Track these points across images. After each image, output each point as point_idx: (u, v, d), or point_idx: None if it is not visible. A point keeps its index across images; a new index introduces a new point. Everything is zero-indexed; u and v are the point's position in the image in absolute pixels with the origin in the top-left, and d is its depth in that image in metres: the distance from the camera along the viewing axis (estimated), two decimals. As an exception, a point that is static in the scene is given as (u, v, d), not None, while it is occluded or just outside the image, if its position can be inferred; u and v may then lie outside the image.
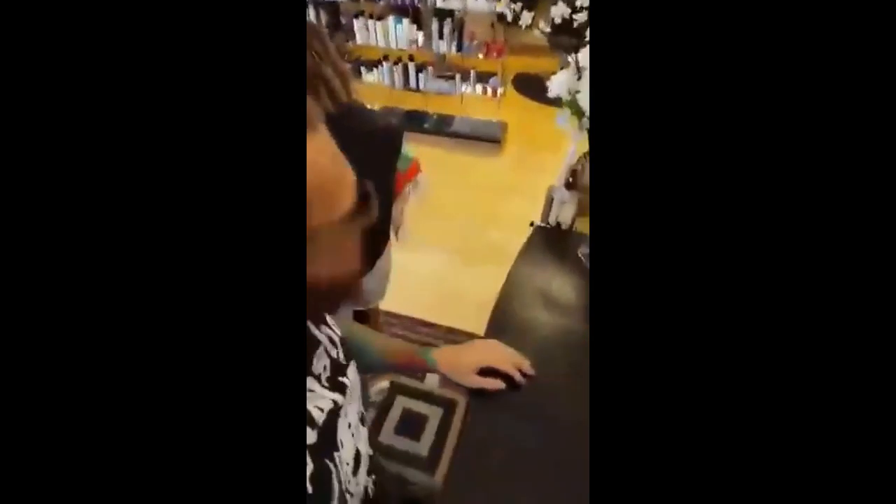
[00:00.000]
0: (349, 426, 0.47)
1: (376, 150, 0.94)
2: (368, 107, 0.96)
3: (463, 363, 0.72)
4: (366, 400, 0.90)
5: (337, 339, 0.52)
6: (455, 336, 2.00)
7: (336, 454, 0.43)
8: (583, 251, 1.14)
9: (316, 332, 0.49)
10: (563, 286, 1.07)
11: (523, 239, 1.22)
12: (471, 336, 1.86)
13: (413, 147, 1.25)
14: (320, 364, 0.47)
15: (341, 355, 0.51)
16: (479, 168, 3.11)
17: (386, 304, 1.60)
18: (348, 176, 0.35)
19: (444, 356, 0.71)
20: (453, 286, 2.30)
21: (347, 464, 0.45)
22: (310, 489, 0.37)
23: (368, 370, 0.66)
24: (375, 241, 1.18)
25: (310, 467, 0.38)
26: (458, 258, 2.40)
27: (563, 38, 2.55)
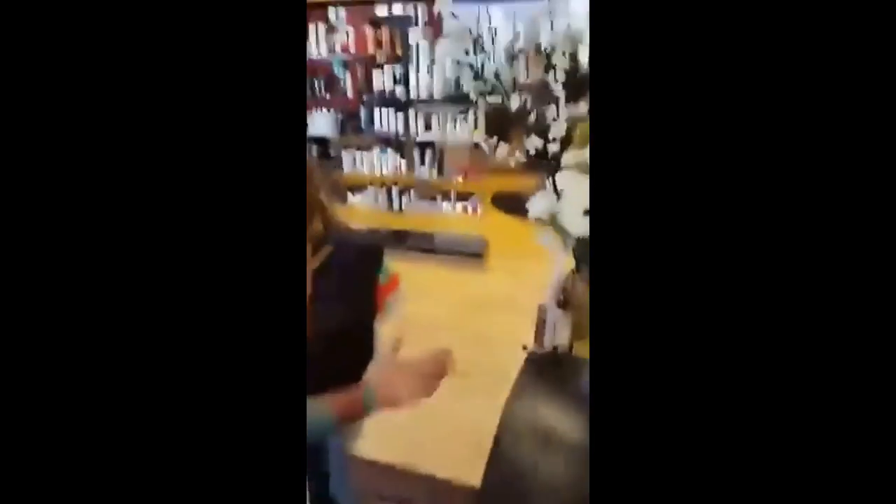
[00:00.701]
0: None
1: (358, 265, 0.99)
2: (353, 227, 1.04)
3: (397, 396, 0.71)
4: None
5: None
6: (444, 487, 1.68)
7: None
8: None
9: None
10: (564, 423, 0.94)
11: (516, 362, 1.12)
12: (464, 489, 1.58)
13: (394, 264, 1.20)
14: None
15: None
16: (464, 283, 3.09)
17: (360, 449, 1.40)
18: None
19: (379, 393, 0.71)
20: (440, 423, 2.04)
21: None
22: None
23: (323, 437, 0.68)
24: (358, 356, 1.07)
25: None
26: (445, 389, 2.22)
27: (541, 163, 2.74)
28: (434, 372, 0.74)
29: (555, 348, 1.16)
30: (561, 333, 1.15)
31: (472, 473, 1.14)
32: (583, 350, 1.16)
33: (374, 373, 0.73)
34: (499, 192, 4.09)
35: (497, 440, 0.87)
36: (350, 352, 0.98)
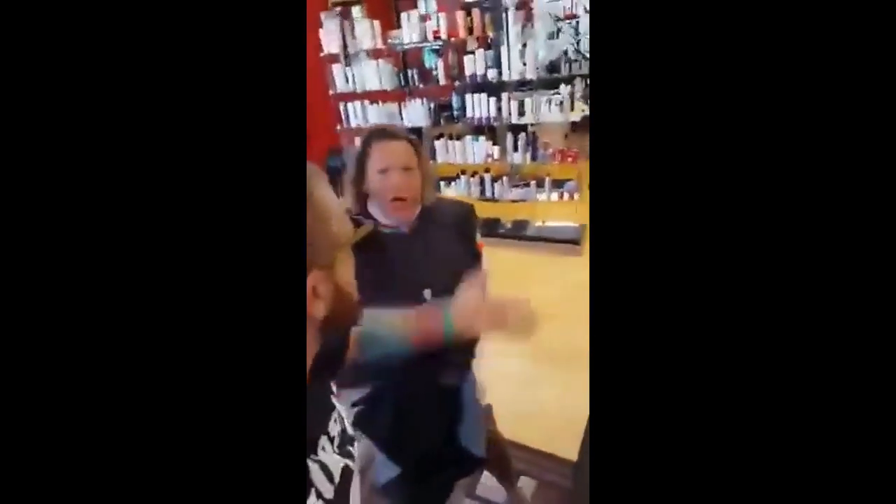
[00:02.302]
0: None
1: (456, 227, 1.09)
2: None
3: (474, 326, 0.73)
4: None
5: (345, 415, 0.55)
6: (541, 461, 1.68)
7: None
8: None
9: (333, 399, 0.53)
10: None
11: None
12: (560, 462, 1.60)
13: (489, 251, 1.20)
14: (335, 428, 0.49)
15: (349, 429, 0.54)
16: (560, 271, 2.95)
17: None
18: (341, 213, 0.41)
19: (459, 321, 0.72)
20: (535, 400, 2.00)
21: None
22: None
23: (390, 356, 0.69)
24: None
25: None
26: (541, 366, 2.14)
27: None
28: (510, 312, 0.76)
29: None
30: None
31: (567, 447, 1.13)
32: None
33: (457, 298, 0.74)
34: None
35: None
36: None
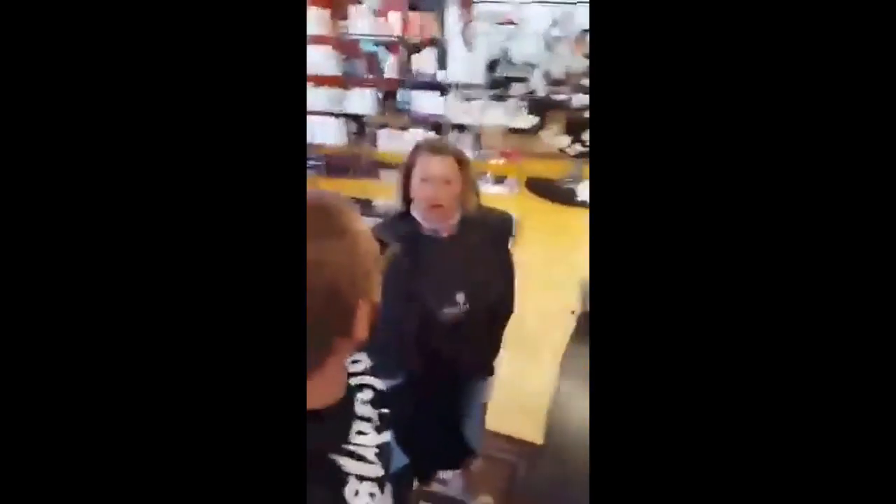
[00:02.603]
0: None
1: (493, 236, 1.19)
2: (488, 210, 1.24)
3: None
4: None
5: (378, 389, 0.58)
6: (505, 445, 1.70)
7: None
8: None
9: (358, 378, 0.56)
10: None
11: (564, 329, 1.23)
12: (527, 445, 1.59)
13: None
14: (364, 409, 0.52)
15: (377, 384, 0.57)
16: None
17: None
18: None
19: None
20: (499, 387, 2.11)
21: None
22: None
23: None
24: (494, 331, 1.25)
25: (377, 497, 0.44)
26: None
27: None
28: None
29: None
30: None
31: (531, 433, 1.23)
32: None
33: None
34: (533, 177, 4.16)
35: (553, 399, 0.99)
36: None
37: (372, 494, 0.43)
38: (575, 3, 4.50)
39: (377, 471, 0.45)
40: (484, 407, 1.31)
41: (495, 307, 1.16)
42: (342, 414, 0.49)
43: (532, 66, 4.69)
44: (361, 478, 0.43)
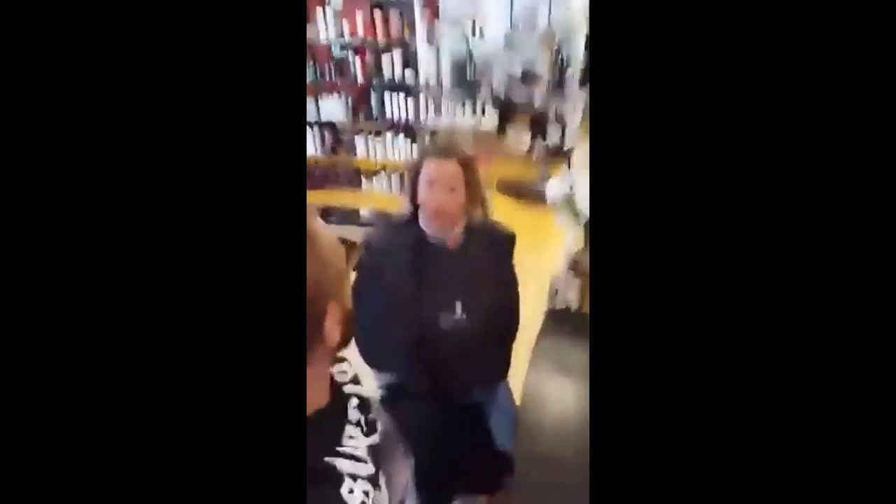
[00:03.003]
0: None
1: (495, 250, 1.17)
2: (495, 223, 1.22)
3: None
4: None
5: (371, 394, 0.59)
6: None
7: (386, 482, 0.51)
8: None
9: (349, 386, 0.57)
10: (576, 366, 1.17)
11: (535, 322, 1.35)
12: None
13: None
14: (355, 415, 0.54)
15: (374, 408, 0.59)
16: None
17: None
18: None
19: None
20: None
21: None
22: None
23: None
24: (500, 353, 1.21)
25: (373, 494, 0.46)
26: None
27: (555, 152, 2.87)
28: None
29: (567, 307, 1.42)
30: (572, 295, 1.41)
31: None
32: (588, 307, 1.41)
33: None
34: (503, 178, 4.27)
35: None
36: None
37: (366, 493, 0.44)
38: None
39: (369, 469, 0.46)
40: (515, 410, 1.25)
41: (498, 319, 1.13)
42: (333, 419, 0.50)
43: (493, 65, 4.81)
44: (355, 477, 0.45)
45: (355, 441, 0.49)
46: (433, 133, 3.66)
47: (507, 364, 1.21)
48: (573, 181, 1.22)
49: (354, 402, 0.55)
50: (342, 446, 0.47)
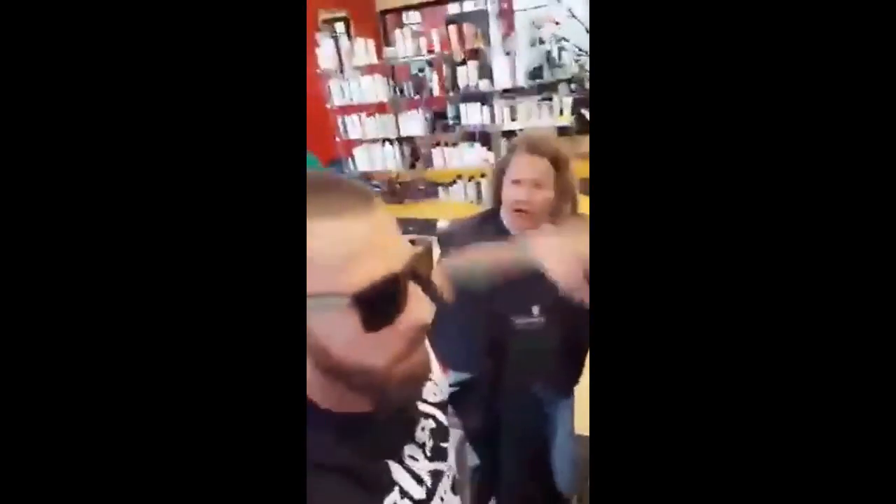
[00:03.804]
0: (444, 493, 0.48)
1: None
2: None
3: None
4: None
5: (436, 413, 0.52)
6: None
7: None
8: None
9: (423, 406, 0.51)
10: None
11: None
12: None
13: None
14: (424, 435, 0.48)
15: (443, 420, 0.52)
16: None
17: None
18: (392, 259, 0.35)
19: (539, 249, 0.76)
20: None
21: None
22: None
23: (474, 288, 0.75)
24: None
25: None
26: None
27: None
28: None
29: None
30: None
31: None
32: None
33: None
34: (585, 177, 4.06)
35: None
36: None
37: None
38: None
39: (421, 494, 0.43)
40: (573, 439, 1.19)
41: (574, 327, 1.06)
42: (402, 424, 0.47)
43: (579, 65, 4.64)
44: (404, 493, 0.41)
45: (418, 463, 0.45)
46: (509, 134, 3.59)
47: (578, 376, 1.14)
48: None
49: (430, 424, 0.50)
50: (403, 455, 0.44)
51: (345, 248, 0.33)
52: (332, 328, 0.34)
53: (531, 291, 1.00)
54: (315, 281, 0.32)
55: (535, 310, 1.01)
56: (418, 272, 0.37)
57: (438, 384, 0.56)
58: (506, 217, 1.01)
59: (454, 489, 0.53)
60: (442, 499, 0.47)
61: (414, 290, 0.37)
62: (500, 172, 1.02)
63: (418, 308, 0.36)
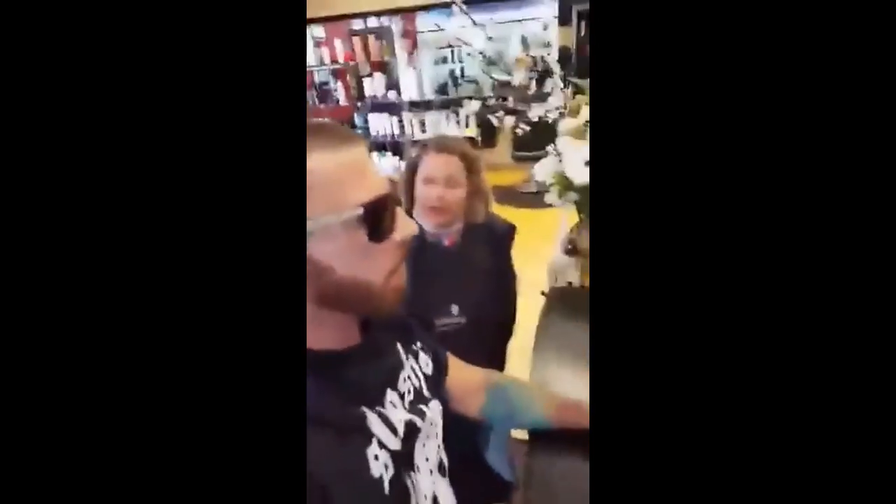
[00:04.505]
0: (426, 460, 0.50)
1: (494, 246, 1.16)
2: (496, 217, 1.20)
3: None
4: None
5: (422, 375, 0.55)
6: None
7: (413, 475, 0.46)
8: None
9: (402, 356, 0.53)
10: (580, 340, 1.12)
11: (538, 305, 1.30)
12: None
13: None
14: (405, 385, 0.50)
15: (425, 389, 0.54)
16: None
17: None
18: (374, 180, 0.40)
19: None
20: None
21: (425, 497, 0.47)
22: (387, 489, 0.41)
23: (528, 426, 0.70)
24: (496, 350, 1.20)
25: (390, 471, 0.42)
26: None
27: (541, 131, 2.96)
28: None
29: (569, 283, 1.37)
30: (572, 275, 1.36)
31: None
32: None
33: None
34: (496, 185, 4.30)
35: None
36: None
37: (386, 466, 0.42)
38: (509, 23, 4.85)
39: (396, 444, 0.44)
40: (505, 432, 1.20)
41: (495, 320, 1.09)
42: (386, 372, 0.49)
43: (476, 82, 4.95)
44: (382, 444, 0.43)
45: (394, 411, 0.46)
46: (422, 143, 3.68)
47: (503, 361, 1.17)
48: (560, 152, 1.19)
49: (407, 372, 0.52)
50: (383, 406, 0.45)
51: (337, 175, 0.39)
52: (335, 247, 0.39)
53: (451, 288, 1.02)
54: (316, 203, 0.37)
55: (455, 309, 1.02)
56: (397, 197, 0.44)
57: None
58: (420, 216, 1.02)
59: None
60: (418, 468, 0.48)
61: (399, 210, 0.42)
62: (410, 173, 1.02)
63: (405, 224, 0.43)
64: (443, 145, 1.01)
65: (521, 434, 1.11)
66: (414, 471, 0.47)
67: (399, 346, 0.54)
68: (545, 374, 1.05)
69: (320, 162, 0.38)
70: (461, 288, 1.03)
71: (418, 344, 0.58)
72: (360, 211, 0.39)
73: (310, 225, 0.37)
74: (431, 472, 0.51)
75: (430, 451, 0.51)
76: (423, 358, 0.57)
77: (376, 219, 0.40)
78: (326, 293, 0.40)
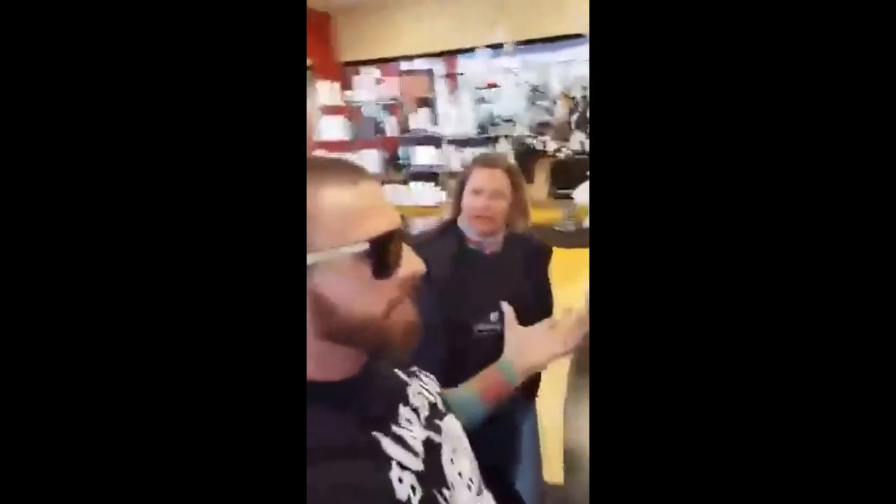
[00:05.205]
0: (459, 475, 0.48)
1: (531, 263, 1.22)
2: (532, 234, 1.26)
3: (533, 359, 0.69)
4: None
5: (434, 392, 0.54)
6: None
7: (447, 493, 0.45)
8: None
9: (404, 377, 0.52)
10: None
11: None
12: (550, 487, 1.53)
13: None
14: (418, 401, 0.50)
15: (440, 403, 0.53)
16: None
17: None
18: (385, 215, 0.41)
19: (516, 361, 0.69)
20: None
21: None
22: None
23: (474, 423, 0.65)
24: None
25: (419, 492, 0.41)
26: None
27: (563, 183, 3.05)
28: (564, 327, 0.72)
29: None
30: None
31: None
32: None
33: (508, 344, 0.72)
34: (533, 223, 4.48)
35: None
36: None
37: (413, 488, 0.42)
38: (551, 64, 5.18)
39: (418, 464, 0.43)
40: (540, 456, 1.20)
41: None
42: (393, 393, 0.48)
43: (513, 121, 5.27)
44: (403, 466, 0.42)
45: (411, 428, 0.45)
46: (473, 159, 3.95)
47: (537, 380, 1.14)
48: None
49: (424, 393, 0.51)
50: (397, 426, 0.45)
51: (346, 209, 0.39)
52: (339, 282, 0.39)
53: (490, 294, 1.03)
54: (322, 238, 0.37)
55: (494, 316, 1.05)
56: (405, 234, 0.44)
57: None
58: (465, 224, 1.09)
59: None
60: (452, 485, 0.47)
61: (405, 246, 0.42)
62: (460, 185, 1.11)
63: (412, 260, 0.43)
64: (490, 161, 1.11)
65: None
66: (448, 488, 0.45)
67: (398, 371, 0.53)
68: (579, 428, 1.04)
69: (333, 196, 0.39)
70: (500, 296, 0.97)
71: (414, 368, 0.56)
72: (367, 246, 0.39)
73: (317, 257, 0.38)
74: (469, 487, 0.48)
75: (461, 465, 0.49)
76: (426, 379, 0.56)
77: (382, 254, 0.40)
78: (331, 327, 0.40)
